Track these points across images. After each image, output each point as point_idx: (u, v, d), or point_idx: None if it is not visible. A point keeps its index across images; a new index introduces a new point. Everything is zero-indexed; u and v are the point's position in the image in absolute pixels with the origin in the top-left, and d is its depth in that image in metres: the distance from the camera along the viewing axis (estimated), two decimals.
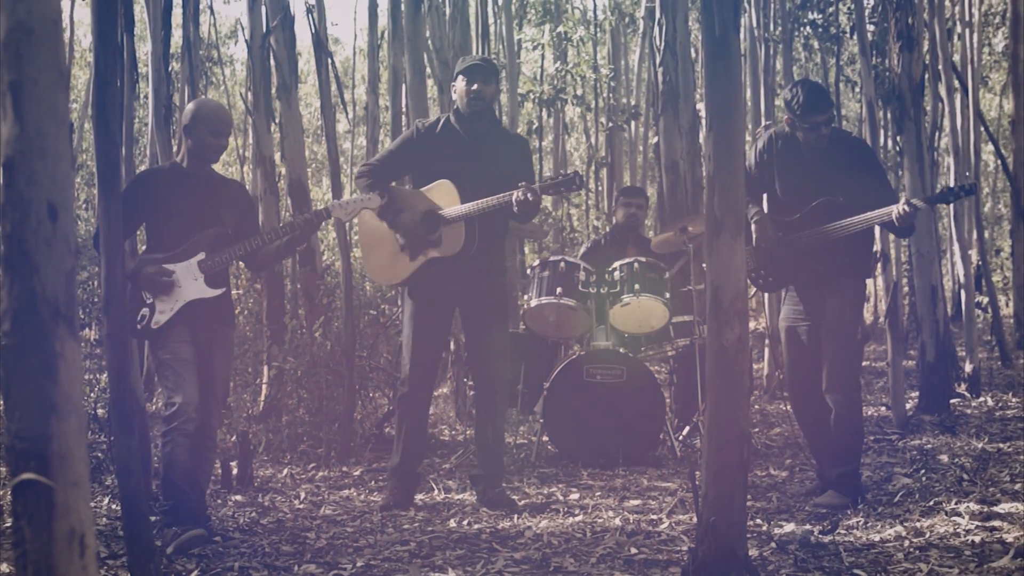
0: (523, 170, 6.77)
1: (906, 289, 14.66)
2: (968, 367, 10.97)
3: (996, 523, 5.60)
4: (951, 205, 12.63)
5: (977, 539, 5.30)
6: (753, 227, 6.62)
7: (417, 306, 6.78)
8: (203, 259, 5.96)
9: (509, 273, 12.19)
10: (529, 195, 6.39)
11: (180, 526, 5.61)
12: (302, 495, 7.05)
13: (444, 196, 6.61)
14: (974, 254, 14.24)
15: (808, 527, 5.77)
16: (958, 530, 5.51)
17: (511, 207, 6.49)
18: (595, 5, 23.79)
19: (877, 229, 7.57)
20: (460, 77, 6.77)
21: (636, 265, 8.25)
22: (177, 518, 5.66)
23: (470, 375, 7.27)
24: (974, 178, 13.18)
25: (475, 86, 6.70)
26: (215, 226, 6.04)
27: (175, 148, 8.57)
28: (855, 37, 12.86)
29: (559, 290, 8.17)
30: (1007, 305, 18.64)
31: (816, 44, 20.15)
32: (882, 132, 16.43)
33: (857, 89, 21.18)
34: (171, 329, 5.87)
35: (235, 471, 7.29)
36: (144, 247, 6.12)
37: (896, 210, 6.23)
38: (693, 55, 12.49)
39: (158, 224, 5.99)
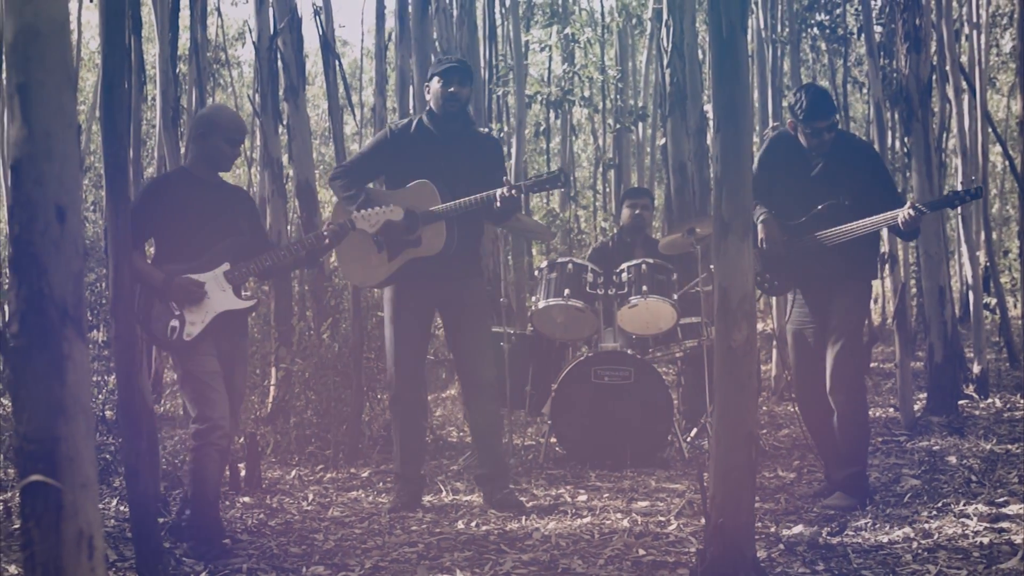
0: (496, 170, 6.81)
1: (914, 290, 14.64)
2: (976, 368, 10.95)
3: (1004, 524, 5.59)
4: (959, 206, 12.61)
5: (985, 540, 5.30)
6: (760, 227, 6.61)
7: (398, 308, 6.78)
8: (228, 270, 5.88)
9: (516, 275, 12.20)
10: (513, 192, 6.41)
11: (206, 544, 5.57)
12: (310, 497, 7.05)
13: (424, 196, 6.59)
14: (982, 255, 14.23)
15: (816, 528, 5.77)
16: (966, 531, 5.51)
17: (491, 206, 6.51)
18: (602, 7, 23.79)
19: (884, 230, 7.56)
20: (436, 78, 6.79)
21: (644, 267, 8.25)
22: (204, 534, 5.61)
23: (456, 376, 7.27)
24: (981, 180, 13.16)
25: (452, 88, 6.73)
26: (234, 235, 5.97)
27: (182, 150, 8.56)
28: (862, 38, 12.87)
29: (567, 292, 8.17)
30: (1015, 306, 18.61)
31: (823, 45, 20.13)
32: (890, 133, 16.40)
33: (864, 90, 21.15)
34: (200, 341, 5.77)
35: (243, 473, 7.29)
36: (153, 253, 6.03)
37: (902, 215, 6.23)
38: (700, 56, 12.51)
39: (174, 233, 5.83)
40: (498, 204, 6.48)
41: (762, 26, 14.67)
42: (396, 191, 6.68)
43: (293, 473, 7.82)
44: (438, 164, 6.70)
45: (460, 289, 6.76)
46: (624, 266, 8.38)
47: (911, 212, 6.19)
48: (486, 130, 9.29)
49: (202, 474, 5.67)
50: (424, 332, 6.91)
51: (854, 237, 6.40)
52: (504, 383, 8.16)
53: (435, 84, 6.78)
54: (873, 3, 13.07)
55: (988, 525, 5.60)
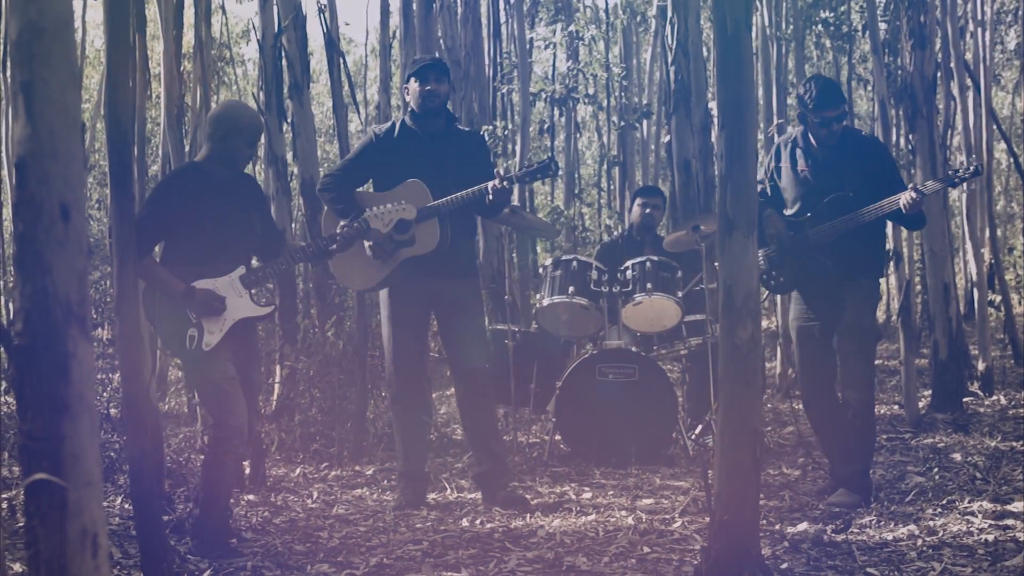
0: (483, 164, 6.84)
1: (919, 287, 14.62)
2: (981, 365, 10.94)
3: (1009, 522, 5.60)
4: (964, 203, 12.60)
5: (990, 538, 5.29)
6: (765, 223, 6.61)
7: (395, 307, 6.78)
8: (244, 274, 5.83)
9: (521, 272, 12.20)
10: (505, 184, 6.42)
11: (211, 542, 5.57)
12: (315, 494, 7.05)
13: (415, 195, 6.58)
14: (987, 252, 14.20)
15: (821, 526, 5.76)
16: (971, 529, 5.51)
17: (483, 200, 6.52)
18: (607, 4, 23.76)
19: (890, 227, 7.56)
20: (412, 79, 6.80)
21: (648, 264, 8.24)
22: (211, 535, 5.61)
23: (450, 372, 7.27)
24: (986, 177, 13.14)
25: (429, 86, 6.73)
26: (247, 235, 5.92)
27: (187, 148, 8.56)
28: (867, 35, 12.83)
29: (571, 289, 8.17)
30: (1020, 303, 18.58)
31: (828, 42, 20.11)
32: (894, 130, 16.39)
33: (869, 87, 21.16)
34: (219, 349, 5.71)
35: (248, 471, 7.29)
36: (163, 252, 5.96)
37: (904, 197, 6.25)
38: (705, 54, 12.49)
39: (188, 233, 5.72)
40: (490, 197, 6.48)
41: (766, 23, 14.63)
42: (387, 192, 6.67)
43: (298, 471, 7.83)
44: (425, 163, 6.71)
45: (456, 286, 6.76)
46: (629, 263, 8.37)
47: (913, 194, 6.21)
48: (500, 123, 9.28)
49: (217, 480, 5.64)
50: (423, 331, 6.92)
51: (860, 225, 6.40)
52: (508, 381, 8.16)
53: (412, 84, 6.79)
54: (878, 0, 13.05)
55: (993, 522, 5.60)
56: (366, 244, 6.64)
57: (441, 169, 6.70)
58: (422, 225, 6.57)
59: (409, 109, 6.87)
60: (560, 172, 18.07)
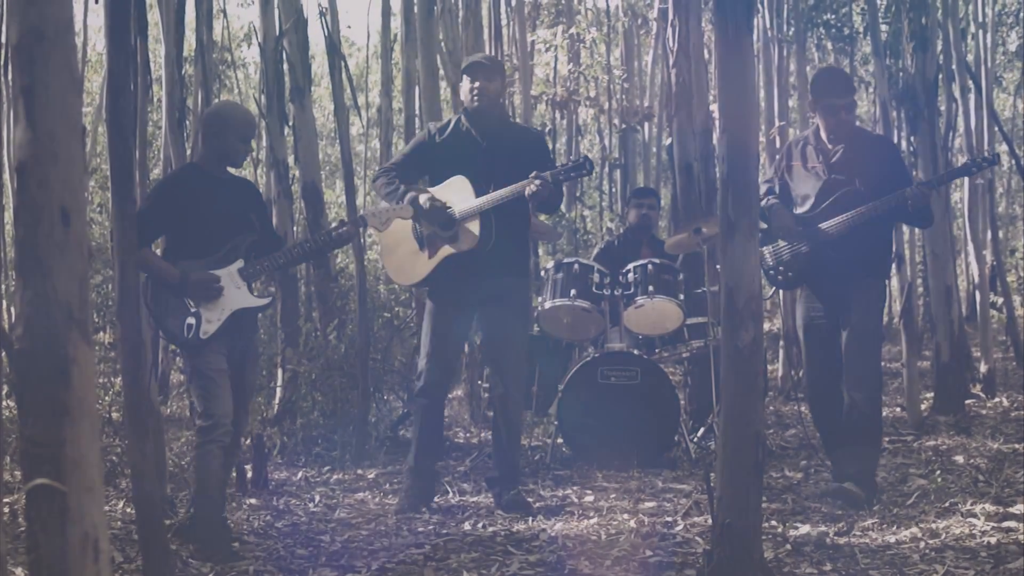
0: (540, 162, 6.76)
1: (921, 289, 14.62)
2: (983, 367, 10.94)
3: (1012, 524, 5.59)
4: (966, 205, 12.60)
5: (993, 540, 5.29)
6: (771, 215, 6.63)
7: (436, 304, 6.78)
8: (243, 267, 5.86)
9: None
10: (538, 183, 6.40)
11: (212, 544, 5.57)
12: (317, 498, 7.05)
13: (458, 192, 6.60)
14: (988, 254, 14.21)
15: (823, 529, 5.76)
16: (974, 531, 5.51)
17: (522, 199, 6.50)
18: (608, 6, 23.75)
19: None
20: (464, 77, 6.84)
21: (650, 267, 8.23)
22: (207, 532, 5.61)
23: (488, 376, 7.25)
24: (988, 179, 13.14)
25: (477, 83, 6.74)
26: (245, 231, 5.94)
27: (188, 151, 8.56)
28: (869, 37, 12.84)
29: (573, 292, 8.15)
30: (1022, 305, 18.57)
31: (830, 44, 20.12)
32: (896, 132, 16.39)
33: (871, 89, 21.13)
34: (214, 339, 5.75)
35: (249, 474, 7.28)
36: (163, 250, 6.00)
37: (910, 188, 6.31)
38: (706, 56, 12.47)
39: (186, 230, 5.78)
40: (532, 204, 6.49)
41: (768, 25, 14.63)
42: (432, 189, 6.69)
43: (300, 474, 7.82)
44: (476, 160, 6.70)
45: (501, 285, 6.71)
46: (630, 266, 8.37)
47: (922, 187, 6.28)
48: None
49: (206, 471, 5.67)
50: (460, 330, 6.87)
51: (868, 223, 6.42)
52: None
53: (464, 83, 6.83)
54: (879, 2, 13.05)
55: (995, 525, 5.60)
56: (417, 229, 6.67)
57: (491, 167, 6.68)
58: (464, 223, 6.58)
59: (464, 109, 6.90)
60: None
